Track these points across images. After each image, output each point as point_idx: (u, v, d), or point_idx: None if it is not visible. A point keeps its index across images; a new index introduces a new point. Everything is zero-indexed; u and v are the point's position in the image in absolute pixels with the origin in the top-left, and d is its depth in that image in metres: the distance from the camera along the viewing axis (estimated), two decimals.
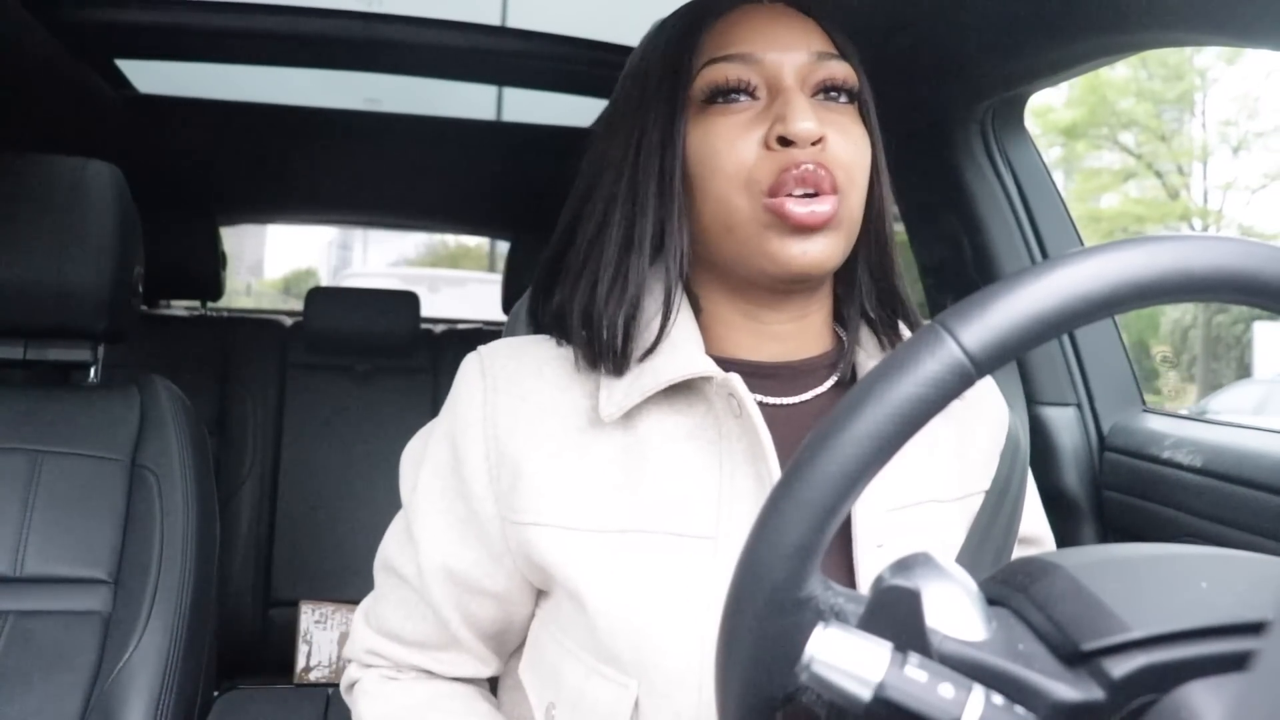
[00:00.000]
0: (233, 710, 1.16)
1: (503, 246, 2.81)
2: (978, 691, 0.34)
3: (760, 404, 0.64)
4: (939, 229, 1.29)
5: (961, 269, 1.27)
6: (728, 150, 0.61)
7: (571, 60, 1.53)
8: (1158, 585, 0.38)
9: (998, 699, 0.34)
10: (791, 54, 0.62)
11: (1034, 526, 0.78)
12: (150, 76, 1.71)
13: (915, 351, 0.36)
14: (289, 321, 2.25)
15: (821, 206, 0.59)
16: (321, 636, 1.90)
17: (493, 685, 0.75)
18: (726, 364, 0.64)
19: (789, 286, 0.63)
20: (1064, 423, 1.19)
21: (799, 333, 0.66)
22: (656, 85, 0.64)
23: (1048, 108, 11.42)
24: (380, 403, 2.12)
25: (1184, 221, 12.12)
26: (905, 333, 0.69)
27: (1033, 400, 1.20)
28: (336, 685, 0.76)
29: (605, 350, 0.63)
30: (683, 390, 0.63)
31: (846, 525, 0.62)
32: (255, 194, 2.47)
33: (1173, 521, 1.02)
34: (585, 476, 0.62)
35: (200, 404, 1.30)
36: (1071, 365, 1.20)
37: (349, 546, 2.02)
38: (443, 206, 2.58)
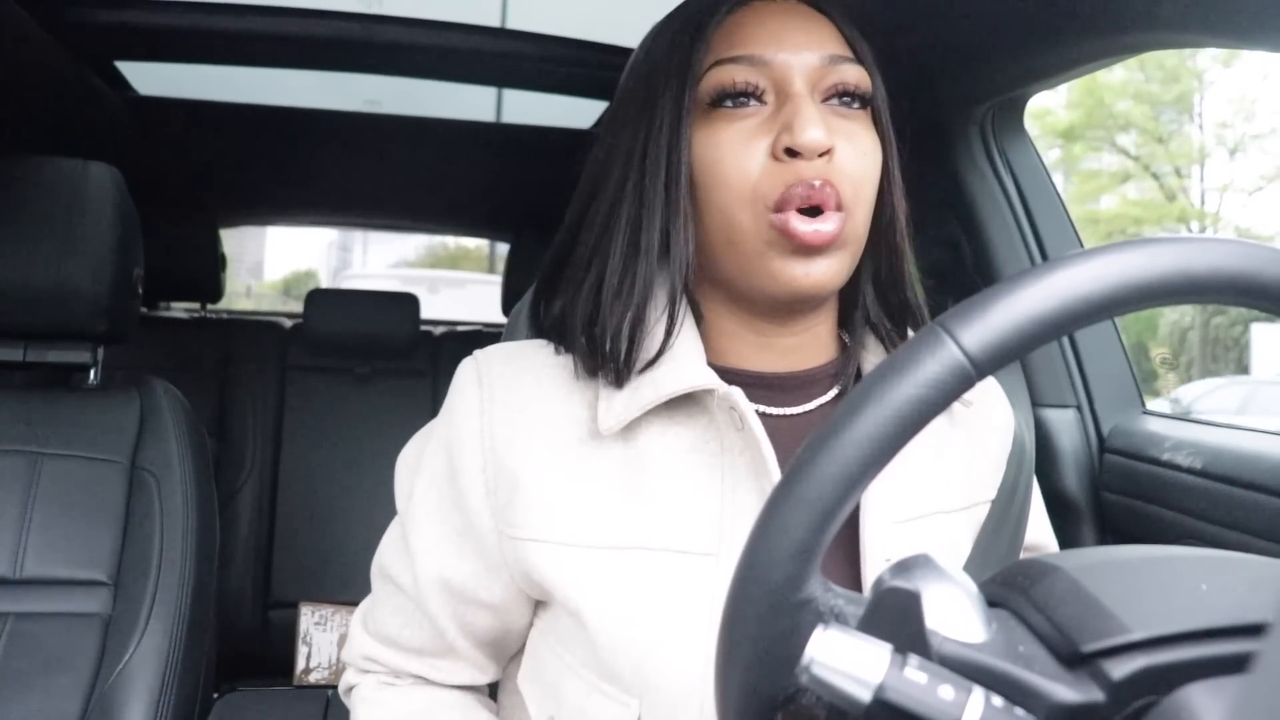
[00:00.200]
0: (232, 712, 1.16)
1: (502, 248, 2.81)
2: (978, 693, 0.34)
3: (763, 415, 0.63)
4: (939, 231, 1.30)
5: (961, 271, 1.27)
6: (732, 160, 0.59)
7: (571, 62, 1.53)
8: (1157, 587, 0.38)
9: (998, 701, 0.34)
10: (802, 55, 0.60)
11: (1038, 534, 0.77)
12: (151, 78, 1.71)
13: (915, 353, 0.36)
14: (289, 323, 2.25)
15: (826, 225, 0.57)
16: (321, 638, 1.90)
17: (493, 689, 0.75)
18: (728, 375, 0.63)
19: (791, 305, 0.62)
20: (1064, 425, 1.19)
21: (803, 344, 0.65)
22: (664, 84, 0.62)
23: (1046, 110, 11.44)
24: (380, 404, 2.12)
25: (1181, 223, 12.13)
26: None
27: (1033, 402, 1.20)
28: (336, 687, 0.76)
29: (607, 359, 0.61)
30: (684, 402, 0.62)
31: (855, 538, 0.61)
32: (255, 196, 2.47)
33: (1173, 523, 1.02)
34: (584, 491, 0.61)
35: (200, 406, 1.30)
36: (1071, 367, 1.20)
37: (349, 548, 2.02)
38: (443, 208, 2.58)
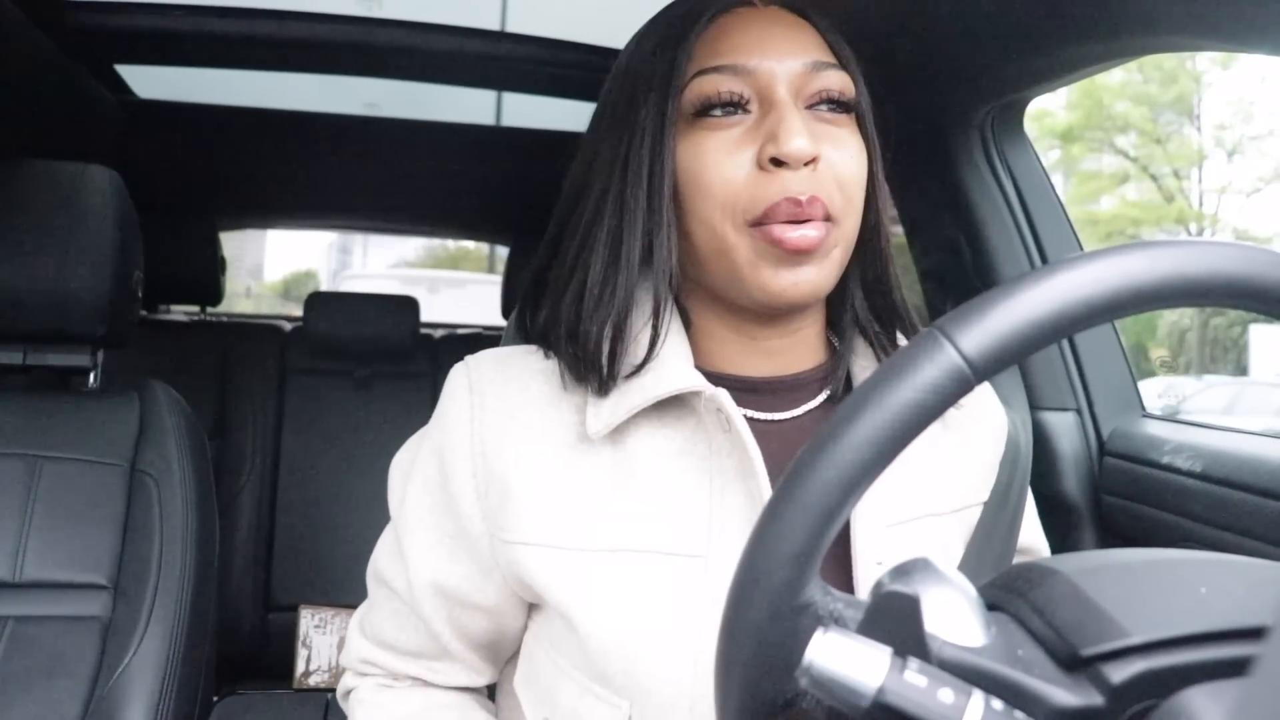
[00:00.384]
0: (232, 715, 1.16)
1: (502, 249, 2.81)
2: (977, 697, 0.34)
3: (751, 420, 0.63)
4: (938, 234, 1.30)
5: (961, 274, 1.27)
6: (716, 170, 0.59)
7: (571, 65, 1.53)
8: (1157, 590, 0.38)
9: (997, 704, 0.34)
10: (785, 63, 0.60)
11: (1030, 537, 0.77)
12: (150, 81, 1.71)
13: (914, 357, 0.36)
14: (289, 326, 2.25)
15: (811, 231, 0.57)
16: (321, 641, 1.90)
17: (491, 691, 0.75)
18: (716, 379, 0.63)
19: (779, 312, 0.62)
20: (1064, 428, 1.19)
21: (791, 348, 0.65)
22: (646, 94, 0.61)
23: (1045, 111, 11.45)
24: (380, 407, 2.12)
25: (1180, 224, 12.14)
26: (903, 343, 0.68)
27: (1032, 405, 1.20)
28: (336, 690, 0.76)
29: (590, 368, 0.61)
30: (672, 405, 0.62)
31: (846, 542, 0.61)
32: (255, 199, 2.47)
33: (1172, 527, 1.02)
34: (574, 495, 0.61)
35: (200, 409, 1.30)
36: (1071, 370, 1.20)
37: (348, 551, 2.02)
38: (442, 211, 2.58)
